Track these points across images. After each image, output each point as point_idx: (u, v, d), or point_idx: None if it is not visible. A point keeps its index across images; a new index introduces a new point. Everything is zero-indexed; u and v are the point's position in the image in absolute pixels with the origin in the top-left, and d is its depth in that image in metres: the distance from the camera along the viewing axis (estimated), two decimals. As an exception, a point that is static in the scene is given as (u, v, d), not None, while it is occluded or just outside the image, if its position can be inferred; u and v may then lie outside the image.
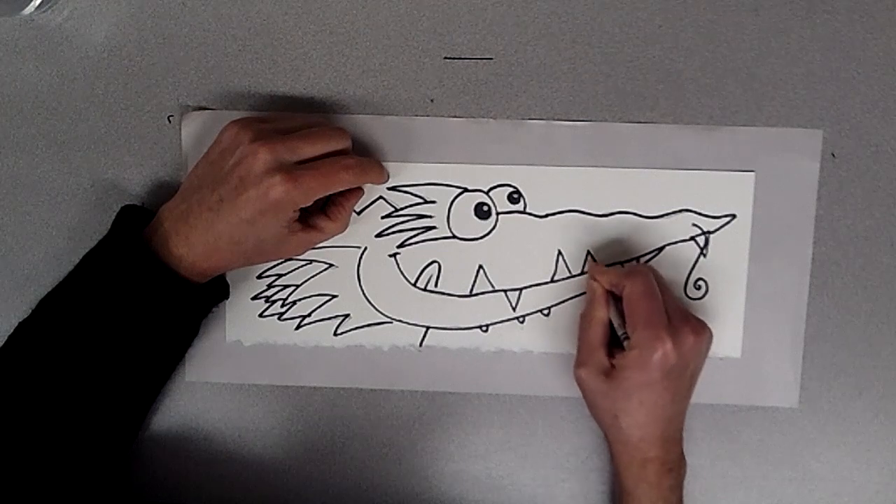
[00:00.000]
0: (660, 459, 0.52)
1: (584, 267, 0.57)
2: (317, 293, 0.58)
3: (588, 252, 0.57)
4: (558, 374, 0.58)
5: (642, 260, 0.57)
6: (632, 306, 0.51)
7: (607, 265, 0.57)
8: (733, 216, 0.57)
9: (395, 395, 0.59)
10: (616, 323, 0.53)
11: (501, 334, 0.58)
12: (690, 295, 0.58)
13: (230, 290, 0.57)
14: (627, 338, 0.52)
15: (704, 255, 0.57)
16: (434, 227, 0.58)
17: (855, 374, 0.58)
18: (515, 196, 0.57)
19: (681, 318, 0.51)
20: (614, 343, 0.53)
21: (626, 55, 0.57)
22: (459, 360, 0.58)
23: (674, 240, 0.57)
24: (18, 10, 0.56)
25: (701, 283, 0.57)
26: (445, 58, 0.57)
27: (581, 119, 0.57)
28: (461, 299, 0.58)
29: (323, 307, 0.58)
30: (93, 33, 0.58)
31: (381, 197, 0.58)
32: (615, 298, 0.54)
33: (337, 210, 0.55)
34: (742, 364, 0.58)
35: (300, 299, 0.58)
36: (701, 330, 0.52)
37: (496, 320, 0.58)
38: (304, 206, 0.52)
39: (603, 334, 0.53)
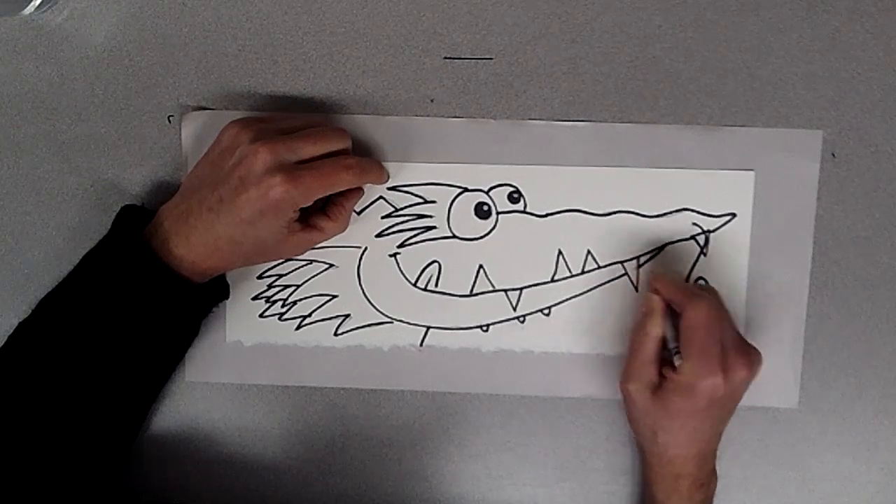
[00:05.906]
0: (692, 476, 0.53)
1: (584, 266, 0.57)
2: (317, 293, 0.58)
3: (588, 251, 0.57)
4: (558, 374, 0.58)
5: (642, 259, 0.57)
6: (689, 334, 0.50)
7: (607, 265, 0.57)
8: (733, 215, 0.57)
9: (395, 395, 0.59)
10: (669, 336, 0.52)
11: (502, 334, 0.58)
12: (690, 295, 0.58)
13: (230, 290, 0.57)
14: (678, 352, 0.51)
15: (704, 255, 0.57)
16: (434, 227, 0.58)
17: (855, 374, 0.58)
18: (515, 196, 0.57)
19: (736, 350, 0.50)
20: (665, 356, 0.53)
21: (626, 55, 0.57)
22: (460, 360, 0.58)
23: (674, 239, 0.57)
24: (18, 10, 0.56)
25: (701, 282, 0.57)
26: (445, 58, 0.57)
27: (581, 119, 0.57)
28: (461, 299, 0.58)
29: (323, 307, 0.58)
30: (93, 33, 0.58)
31: (381, 197, 0.58)
32: (670, 311, 0.53)
33: (337, 210, 0.55)
34: (742, 364, 0.58)
35: (300, 299, 0.58)
36: (754, 364, 0.51)
37: (496, 320, 0.58)
38: (304, 206, 0.52)
39: (656, 351, 0.52)
